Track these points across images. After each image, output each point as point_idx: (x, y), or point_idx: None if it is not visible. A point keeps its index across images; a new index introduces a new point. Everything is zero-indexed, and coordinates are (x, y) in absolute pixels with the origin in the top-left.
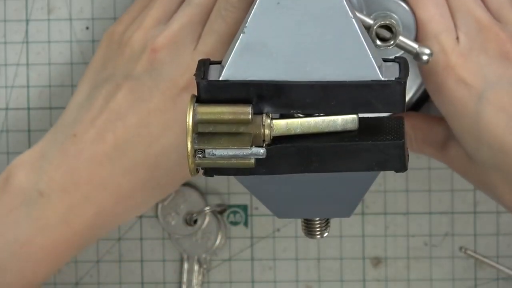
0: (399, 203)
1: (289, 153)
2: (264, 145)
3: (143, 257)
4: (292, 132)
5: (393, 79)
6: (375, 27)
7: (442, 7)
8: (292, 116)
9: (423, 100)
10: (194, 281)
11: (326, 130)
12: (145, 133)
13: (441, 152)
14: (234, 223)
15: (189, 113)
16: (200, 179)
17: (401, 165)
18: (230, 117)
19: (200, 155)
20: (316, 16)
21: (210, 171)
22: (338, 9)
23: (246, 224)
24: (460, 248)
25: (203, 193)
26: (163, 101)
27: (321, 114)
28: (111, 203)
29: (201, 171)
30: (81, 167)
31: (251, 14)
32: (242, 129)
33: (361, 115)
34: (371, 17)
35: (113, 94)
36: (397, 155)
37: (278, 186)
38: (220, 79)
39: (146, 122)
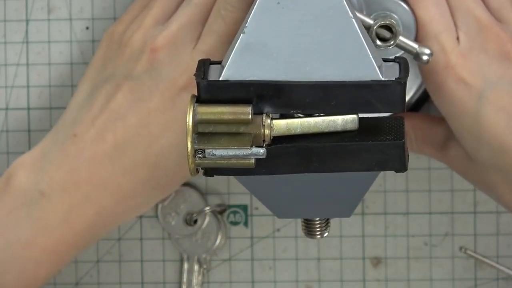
0: (399, 203)
1: (289, 153)
2: (264, 145)
3: (143, 257)
4: (292, 132)
5: (393, 79)
6: (375, 27)
7: (442, 7)
8: (292, 116)
9: (423, 101)
10: (194, 281)
11: (326, 130)
12: (145, 133)
13: (441, 152)
14: (234, 223)
15: (189, 113)
16: (200, 179)
17: (401, 165)
18: (230, 117)
19: (200, 155)
20: (316, 16)
21: (210, 171)
22: (338, 9)
23: (246, 224)
24: (460, 248)
25: (203, 193)
26: (163, 101)
27: (321, 114)
28: (111, 203)
29: (201, 171)
30: (81, 167)
31: (251, 14)
32: (242, 129)
33: (361, 115)
34: (371, 17)
35: (113, 94)
36: (397, 155)
37: (278, 186)
38: (220, 79)
39: (146, 122)
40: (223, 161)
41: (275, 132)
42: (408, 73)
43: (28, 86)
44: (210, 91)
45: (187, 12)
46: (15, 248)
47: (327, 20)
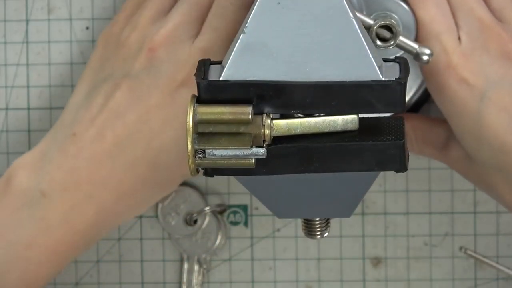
0: (399, 203)
1: (290, 153)
2: (264, 145)
3: (143, 257)
4: (292, 132)
5: (394, 79)
6: (375, 27)
7: (443, 7)
8: (292, 116)
9: (422, 101)
10: (194, 281)
11: (327, 130)
12: (145, 130)
13: (442, 152)
14: (234, 223)
15: (189, 113)
16: (200, 179)
17: (401, 165)
18: (230, 117)
19: (200, 155)
20: (316, 16)
21: (210, 171)
22: (338, 9)
23: (246, 224)
24: (460, 248)
25: (203, 193)
26: (162, 98)
27: (322, 114)
28: (112, 201)
29: (201, 171)
30: (81, 166)
31: (251, 14)
32: (242, 129)
33: (361, 115)
34: (371, 17)
35: (112, 93)
36: (397, 155)
37: (278, 186)
38: (221, 79)
39: (145, 119)
40: (223, 161)
41: (275, 132)
42: (408, 73)
43: (28, 86)
44: (210, 91)
45: (183, 10)
46: (16, 248)
47: (327, 20)
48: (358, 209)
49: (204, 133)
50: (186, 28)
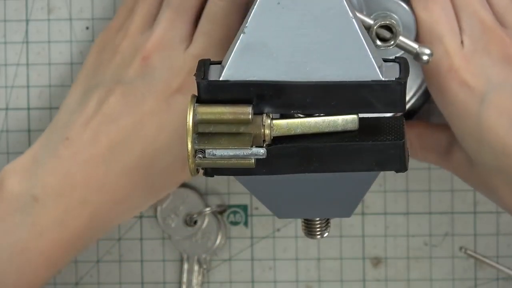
0: (399, 203)
1: (290, 153)
2: (264, 145)
3: (143, 257)
4: (292, 132)
5: (394, 79)
6: (375, 27)
7: (447, 9)
8: (292, 116)
9: (414, 111)
10: (194, 281)
11: (327, 130)
12: (140, 135)
13: (444, 158)
14: (234, 223)
15: (189, 113)
16: (200, 179)
17: (401, 165)
18: (230, 117)
19: (200, 155)
20: (316, 16)
21: (210, 171)
22: (338, 9)
23: (246, 224)
24: (460, 248)
25: (203, 194)
26: (157, 103)
27: (321, 114)
28: (106, 206)
29: (201, 171)
30: (75, 170)
31: (251, 14)
32: (242, 129)
33: (361, 115)
34: (371, 17)
35: (106, 98)
36: (397, 155)
37: (278, 186)
38: (221, 79)
39: (140, 124)
40: (223, 161)
41: (275, 132)
42: (408, 73)
43: (28, 86)
44: (210, 91)
45: (168, 16)
46: (9, 253)
47: (327, 20)
48: (358, 209)
49: (204, 133)
50: (175, 33)
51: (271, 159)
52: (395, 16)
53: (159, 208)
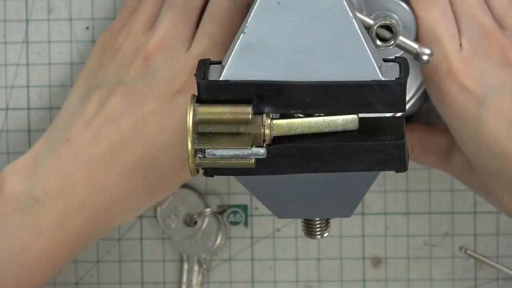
0: (399, 203)
1: (290, 153)
2: (264, 145)
3: (143, 257)
4: (293, 132)
5: (394, 79)
6: (375, 27)
7: (447, 11)
8: (292, 116)
9: (414, 113)
10: (194, 281)
11: (327, 130)
12: (140, 136)
13: (444, 161)
14: (234, 223)
15: (189, 113)
16: (200, 180)
17: (401, 165)
18: (230, 117)
19: (200, 155)
20: (316, 16)
21: (210, 171)
22: (338, 9)
23: (246, 224)
24: (460, 248)
25: (203, 194)
26: (159, 104)
27: (321, 114)
28: (106, 206)
29: (201, 171)
30: (76, 171)
31: (251, 14)
32: (242, 129)
33: (361, 115)
34: (371, 17)
35: (107, 99)
36: (397, 155)
37: (278, 186)
38: (221, 79)
39: (141, 125)
40: (223, 161)
41: (276, 132)
42: (408, 73)
43: (28, 86)
44: (210, 91)
45: (169, 16)
46: (9, 254)
47: (327, 20)
48: (358, 209)
49: (204, 133)
50: (176, 34)
51: (271, 159)
52: (395, 16)
53: (159, 209)
